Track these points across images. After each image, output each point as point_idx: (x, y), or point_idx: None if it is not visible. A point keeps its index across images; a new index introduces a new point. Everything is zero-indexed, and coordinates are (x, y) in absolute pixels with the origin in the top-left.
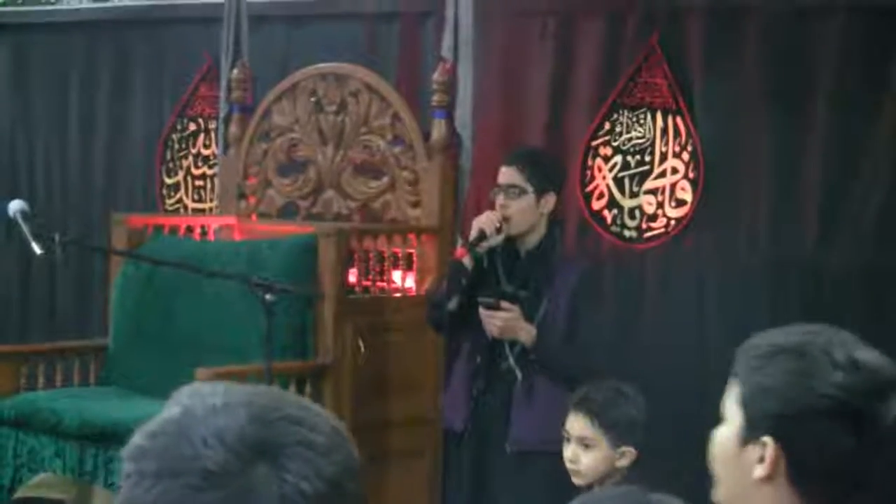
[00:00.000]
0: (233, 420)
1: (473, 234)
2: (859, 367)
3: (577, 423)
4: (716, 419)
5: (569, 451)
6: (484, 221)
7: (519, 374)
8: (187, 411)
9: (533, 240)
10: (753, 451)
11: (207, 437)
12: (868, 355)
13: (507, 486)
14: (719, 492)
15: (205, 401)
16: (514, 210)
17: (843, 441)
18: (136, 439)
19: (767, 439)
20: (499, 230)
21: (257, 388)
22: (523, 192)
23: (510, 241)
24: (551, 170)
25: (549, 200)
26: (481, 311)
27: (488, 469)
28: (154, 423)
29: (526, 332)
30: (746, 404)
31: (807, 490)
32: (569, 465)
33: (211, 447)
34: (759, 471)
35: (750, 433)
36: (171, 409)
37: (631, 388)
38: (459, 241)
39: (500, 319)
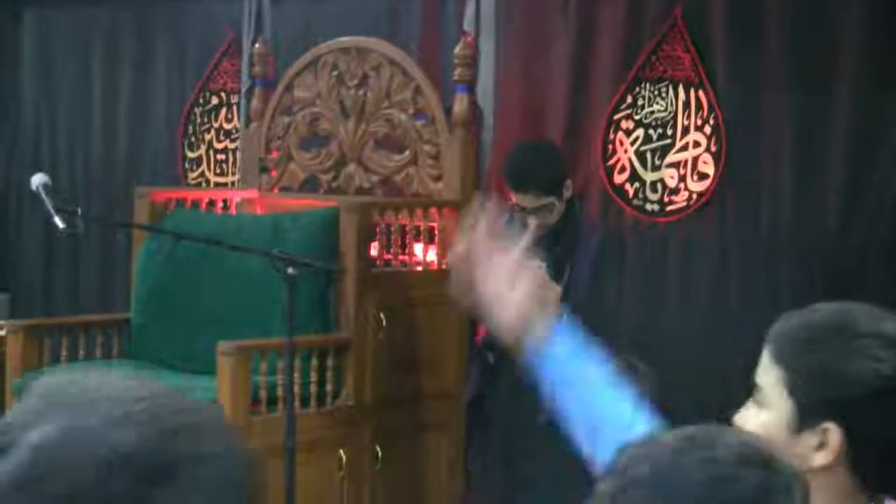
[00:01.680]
0: (130, 438)
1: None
2: None
3: None
4: (736, 392)
5: None
6: None
7: None
8: (76, 426)
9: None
10: (810, 439)
11: (108, 461)
12: None
13: (540, 457)
14: None
15: (92, 412)
16: (550, 219)
17: None
18: (24, 456)
19: (831, 425)
20: None
21: (140, 389)
22: (551, 205)
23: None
24: (557, 166)
25: (569, 188)
26: None
27: (519, 441)
28: (40, 437)
29: (553, 291)
30: (798, 389)
31: (865, 476)
32: None
33: (112, 473)
34: (820, 458)
35: (805, 420)
36: (51, 418)
37: (644, 366)
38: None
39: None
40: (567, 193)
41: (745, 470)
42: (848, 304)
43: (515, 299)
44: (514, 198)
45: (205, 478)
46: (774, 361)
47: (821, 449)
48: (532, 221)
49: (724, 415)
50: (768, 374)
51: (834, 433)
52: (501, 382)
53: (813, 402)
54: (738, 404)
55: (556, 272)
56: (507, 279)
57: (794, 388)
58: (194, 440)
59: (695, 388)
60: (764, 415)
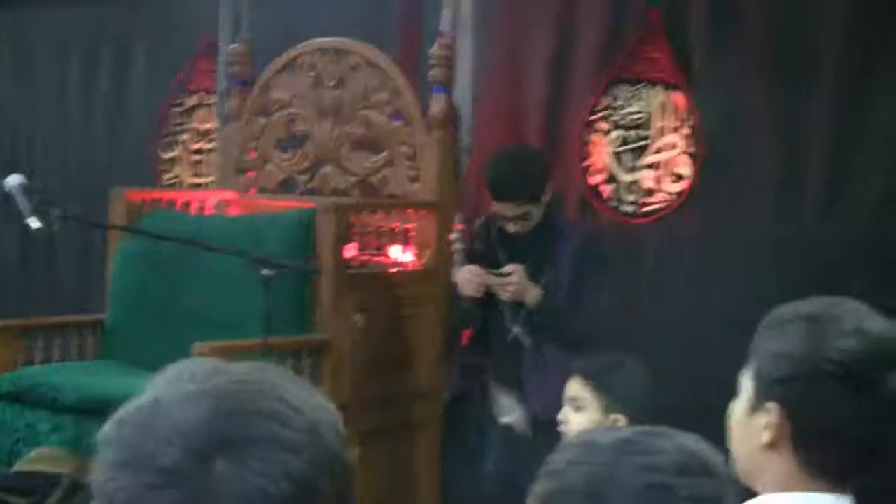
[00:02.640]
0: (198, 413)
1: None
2: (866, 335)
3: (571, 385)
4: (712, 391)
5: (561, 413)
6: (468, 288)
7: (528, 341)
8: (158, 400)
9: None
10: (760, 419)
11: (170, 432)
12: (878, 325)
13: (524, 458)
14: (737, 466)
15: (177, 388)
16: (529, 227)
17: (846, 406)
18: (108, 424)
19: (772, 405)
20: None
21: (242, 372)
22: (531, 212)
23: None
24: (539, 174)
25: (548, 193)
26: (491, 280)
27: (501, 441)
28: (128, 408)
29: (532, 293)
30: (758, 373)
31: (808, 457)
32: (560, 427)
33: (171, 444)
34: (765, 437)
35: (758, 401)
36: (148, 393)
37: (636, 362)
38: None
39: (513, 283)
40: (546, 198)
41: (681, 479)
42: (836, 299)
43: None
44: (495, 206)
45: (262, 463)
46: (751, 352)
47: (766, 428)
48: (513, 227)
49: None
50: (746, 364)
51: (774, 412)
52: (481, 381)
53: (765, 383)
54: (717, 403)
55: (535, 274)
56: None
57: (755, 373)
58: (257, 423)
59: (672, 388)
60: (737, 401)
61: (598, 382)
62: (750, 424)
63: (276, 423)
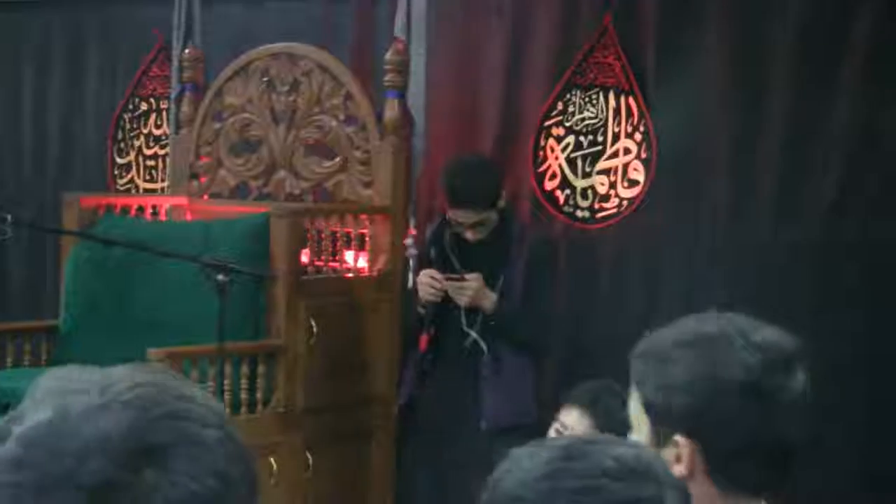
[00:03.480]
0: (113, 424)
1: (422, 303)
2: (761, 346)
3: (570, 418)
4: None
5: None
6: (427, 293)
7: (485, 346)
8: (61, 414)
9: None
10: (668, 453)
11: (88, 447)
12: (767, 333)
13: (483, 464)
14: None
15: (79, 400)
16: (485, 232)
17: (755, 419)
18: (11, 446)
19: (680, 438)
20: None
21: (137, 376)
22: (488, 219)
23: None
24: (495, 182)
25: (503, 199)
26: (448, 286)
27: (457, 447)
28: (27, 426)
29: (489, 299)
30: (652, 407)
31: (725, 477)
32: None
33: (93, 459)
34: (678, 470)
35: (660, 435)
36: (42, 408)
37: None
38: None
39: (471, 289)
40: (501, 204)
41: (615, 483)
42: (708, 315)
43: None
44: (452, 213)
45: (187, 465)
46: (635, 386)
47: (678, 461)
48: (468, 235)
49: None
50: (633, 399)
51: (683, 444)
52: (436, 387)
53: (664, 416)
54: None
55: (489, 280)
56: None
57: (648, 406)
58: (173, 425)
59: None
60: (636, 438)
61: (604, 417)
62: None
63: (191, 422)
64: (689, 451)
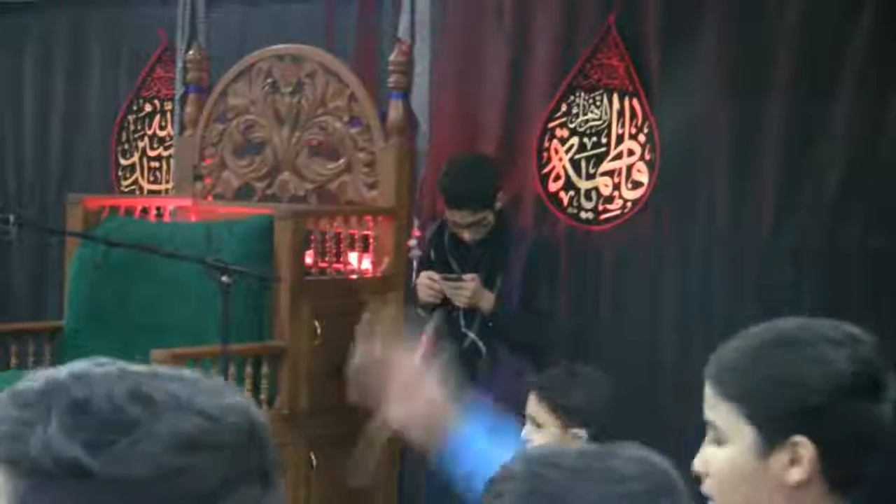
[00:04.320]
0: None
1: (421, 304)
2: (857, 339)
3: (530, 402)
4: (668, 396)
5: (524, 430)
6: (426, 294)
7: (483, 347)
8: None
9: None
10: (780, 458)
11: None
12: (853, 330)
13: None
14: None
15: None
16: (483, 233)
17: (872, 414)
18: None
19: (800, 438)
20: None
21: (113, 364)
22: (485, 219)
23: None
24: (492, 181)
25: (500, 201)
26: (446, 286)
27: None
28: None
29: (487, 300)
30: (757, 414)
31: (839, 480)
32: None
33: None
34: (797, 474)
35: (772, 441)
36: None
37: (592, 371)
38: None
39: (469, 289)
40: (499, 205)
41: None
42: (777, 321)
43: (420, 404)
44: (449, 213)
45: (159, 434)
46: (722, 397)
47: (794, 465)
48: (465, 235)
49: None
50: (718, 411)
51: (804, 445)
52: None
53: (775, 420)
54: (672, 406)
55: (488, 281)
56: (410, 385)
57: (752, 415)
58: (153, 402)
59: (628, 396)
60: (726, 451)
61: (554, 398)
62: (764, 471)
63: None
64: (810, 452)
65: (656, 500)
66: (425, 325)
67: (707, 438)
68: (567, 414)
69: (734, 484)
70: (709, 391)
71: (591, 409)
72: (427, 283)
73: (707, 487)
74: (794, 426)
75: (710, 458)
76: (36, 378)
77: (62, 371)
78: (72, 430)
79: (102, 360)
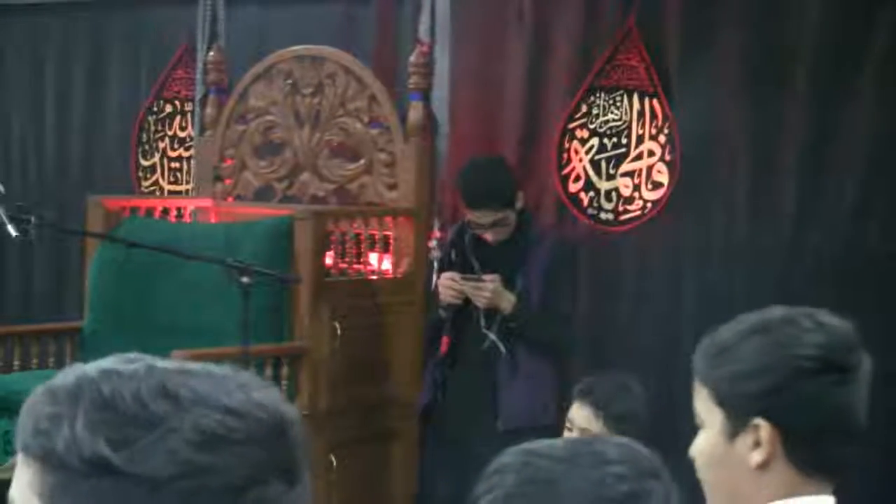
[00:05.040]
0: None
1: (443, 305)
2: (826, 326)
3: (581, 414)
4: (688, 399)
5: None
6: (447, 295)
7: (503, 348)
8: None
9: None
10: (745, 441)
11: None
12: (827, 317)
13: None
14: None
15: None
16: (505, 233)
17: (833, 396)
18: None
19: (759, 420)
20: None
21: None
22: (506, 218)
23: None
24: (511, 181)
25: (521, 200)
26: (467, 287)
27: (476, 448)
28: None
29: (507, 301)
30: (724, 398)
31: (806, 459)
32: None
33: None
34: (757, 456)
35: (736, 423)
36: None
37: (635, 381)
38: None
39: (489, 290)
40: (519, 205)
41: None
42: (760, 311)
43: None
44: (470, 214)
45: (183, 431)
46: (700, 383)
47: (756, 447)
48: (488, 236)
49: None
50: (698, 397)
51: (764, 427)
52: (455, 388)
53: (738, 403)
54: (691, 410)
55: (508, 282)
56: None
57: (720, 399)
58: (176, 396)
59: (649, 395)
60: (704, 435)
61: (609, 413)
62: (732, 453)
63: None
64: (769, 434)
65: (643, 482)
66: (446, 327)
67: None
68: (623, 427)
69: (710, 466)
70: (694, 378)
71: (636, 421)
72: (448, 283)
73: (698, 472)
74: (755, 409)
75: (695, 448)
76: (68, 373)
77: (93, 367)
78: (97, 426)
79: (133, 356)
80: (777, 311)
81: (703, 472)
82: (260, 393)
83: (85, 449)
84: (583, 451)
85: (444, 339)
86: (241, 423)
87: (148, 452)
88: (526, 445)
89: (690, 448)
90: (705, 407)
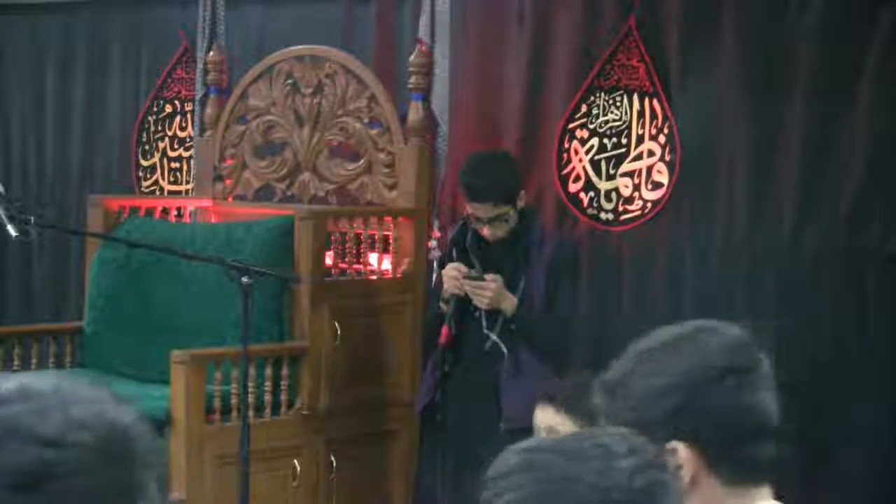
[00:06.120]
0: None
1: (445, 297)
2: (723, 333)
3: (542, 414)
4: None
5: None
6: (451, 285)
7: (505, 349)
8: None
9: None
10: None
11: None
12: (719, 325)
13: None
14: None
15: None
16: (504, 230)
17: (737, 400)
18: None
19: (676, 444)
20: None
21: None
22: (506, 214)
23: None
24: (513, 176)
25: (522, 198)
26: (467, 286)
27: (477, 449)
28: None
29: (509, 302)
30: (638, 426)
31: (730, 470)
32: None
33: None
34: (686, 477)
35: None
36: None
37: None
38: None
39: (490, 290)
40: (521, 203)
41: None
42: (643, 337)
43: None
44: (470, 207)
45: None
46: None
47: (679, 468)
48: (485, 231)
49: None
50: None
51: (678, 448)
52: (457, 389)
53: (651, 430)
54: None
55: (511, 283)
56: None
57: (637, 428)
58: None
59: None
60: None
61: (571, 409)
62: None
63: None
64: (688, 454)
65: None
66: (447, 318)
67: None
68: (590, 422)
69: None
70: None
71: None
72: (454, 273)
73: None
74: (667, 433)
75: None
76: None
77: None
78: None
79: None
80: (659, 336)
81: None
82: (82, 408)
83: None
84: (587, 444)
85: (444, 331)
86: (60, 454)
87: None
88: (529, 443)
89: None
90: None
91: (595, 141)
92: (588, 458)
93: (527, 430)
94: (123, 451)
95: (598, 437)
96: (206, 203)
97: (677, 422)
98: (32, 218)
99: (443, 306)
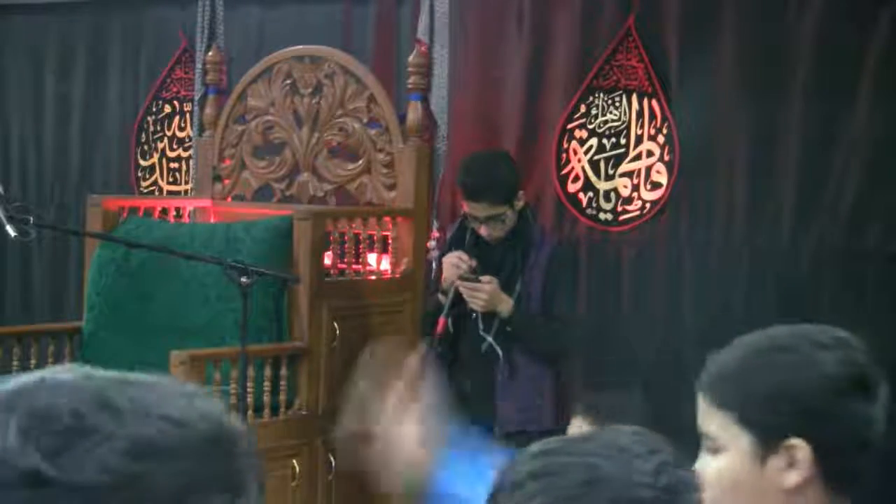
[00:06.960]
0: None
1: (444, 288)
2: (846, 342)
3: (578, 427)
4: (688, 399)
5: None
6: (453, 273)
7: (500, 352)
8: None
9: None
10: (777, 462)
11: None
12: (839, 333)
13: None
14: None
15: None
16: (501, 230)
17: (864, 414)
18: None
19: (796, 441)
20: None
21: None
22: (504, 214)
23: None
24: (512, 175)
25: (521, 198)
26: (463, 288)
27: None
28: None
29: (505, 303)
30: (751, 419)
31: (838, 480)
32: None
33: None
34: (794, 476)
35: (769, 445)
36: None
37: (638, 394)
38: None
39: (486, 292)
40: (519, 204)
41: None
42: (768, 329)
43: (405, 441)
44: (468, 206)
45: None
46: (716, 407)
47: (791, 468)
48: (482, 230)
49: None
50: (713, 421)
51: (801, 447)
52: (452, 391)
53: (770, 425)
54: (691, 412)
55: (507, 284)
56: (396, 416)
57: (748, 420)
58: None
59: (647, 397)
60: (723, 459)
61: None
62: (761, 476)
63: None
64: (806, 453)
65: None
66: (444, 309)
67: (702, 451)
68: None
69: (733, 492)
70: (702, 402)
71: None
72: (455, 262)
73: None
74: (789, 429)
75: (706, 468)
76: (5, 382)
77: (31, 377)
78: (29, 437)
79: (73, 365)
80: (786, 330)
81: (721, 498)
82: (204, 403)
83: (17, 460)
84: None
85: (441, 321)
86: (177, 430)
87: (80, 462)
88: (538, 448)
89: (701, 474)
90: (724, 431)
91: (594, 141)
92: (609, 459)
93: (517, 433)
94: (233, 446)
95: (614, 437)
96: (206, 203)
97: (804, 421)
98: (32, 218)
99: (442, 298)
